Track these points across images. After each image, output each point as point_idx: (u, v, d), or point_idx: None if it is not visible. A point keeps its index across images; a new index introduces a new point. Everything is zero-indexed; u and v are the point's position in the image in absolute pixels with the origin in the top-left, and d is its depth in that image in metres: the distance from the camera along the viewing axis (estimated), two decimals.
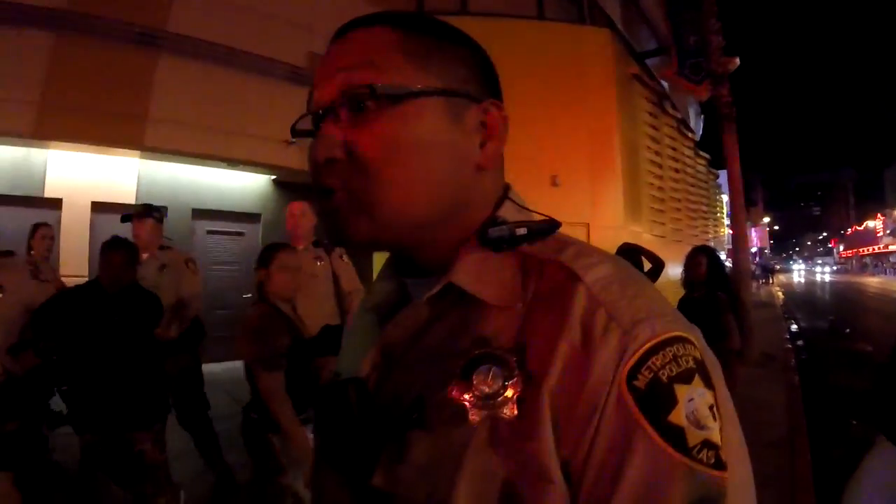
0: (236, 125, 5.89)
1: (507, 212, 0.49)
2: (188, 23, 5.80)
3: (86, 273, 5.74)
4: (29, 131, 5.20)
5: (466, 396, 0.40)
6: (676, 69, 9.32)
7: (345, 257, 3.27)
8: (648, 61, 9.80)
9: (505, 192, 0.51)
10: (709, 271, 3.61)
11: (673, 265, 7.67)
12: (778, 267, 50.58)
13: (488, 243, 0.46)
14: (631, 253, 4.05)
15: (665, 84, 9.92)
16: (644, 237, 7.32)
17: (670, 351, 0.38)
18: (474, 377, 0.40)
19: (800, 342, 9.36)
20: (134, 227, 3.19)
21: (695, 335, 0.41)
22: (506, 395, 0.39)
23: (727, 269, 5.39)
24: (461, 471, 0.38)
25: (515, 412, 0.38)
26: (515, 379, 0.39)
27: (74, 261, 5.71)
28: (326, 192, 0.45)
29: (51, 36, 5.25)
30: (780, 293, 22.29)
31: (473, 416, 0.39)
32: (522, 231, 0.46)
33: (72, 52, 5.32)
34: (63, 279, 5.63)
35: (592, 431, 0.37)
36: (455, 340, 0.43)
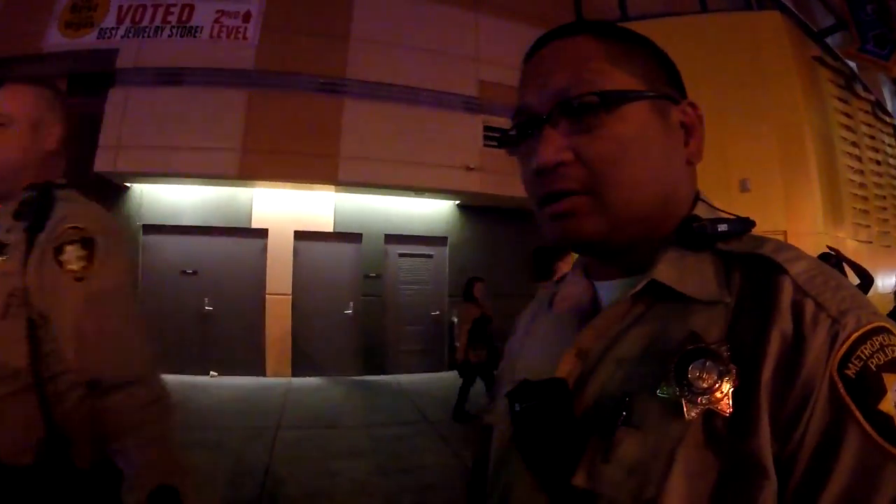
0: (419, 155, 6.39)
1: (701, 211, 0.50)
2: (365, 68, 6.49)
3: (289, 291, 6.62)
4: (233, 173, 6.18)
5: (681, 392, 0.39)
6: (858, 44, 8.01)
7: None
8: (829, 40, 8.57)
9: (697, 194, 0.52)
10: None
11: (885, 274, 6.49)
12: None
13: (686, 241, 0.47)
14: (828, 259, 3.50)
15: (852, 64, 8.58)
16: (848, 244, 6.34)
17: (877, 340, 0.38)
18: (689, 372, 0.39)
19: None
20: None
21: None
22: (721, 389, 0.38)
23: None
24: (673, 468, 0.38)
25: (731, 407, 0.38)
26: (731, 373, 0.39)
27: (280, 281, 6.62)
28: (559, 196, 0.46)
29: (245, 92, 6.23)
30: None
31: (689, 413, 0.39)
32: (724, 227, 0.46)
33: (265, 103, 6.25)
34: (268, 296, 6.69)
35: (805, 420, 0.36)
36: (662, 338, 0.43)
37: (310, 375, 6.49)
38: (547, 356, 0.52)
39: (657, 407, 0.41)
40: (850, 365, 0.37)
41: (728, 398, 0.38)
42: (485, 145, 6.61)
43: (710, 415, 0.39)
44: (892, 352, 0.38)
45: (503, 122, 6.54)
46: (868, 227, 7.07)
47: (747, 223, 0.48)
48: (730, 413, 0.38)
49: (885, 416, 0.36)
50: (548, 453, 0.44)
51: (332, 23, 6.65)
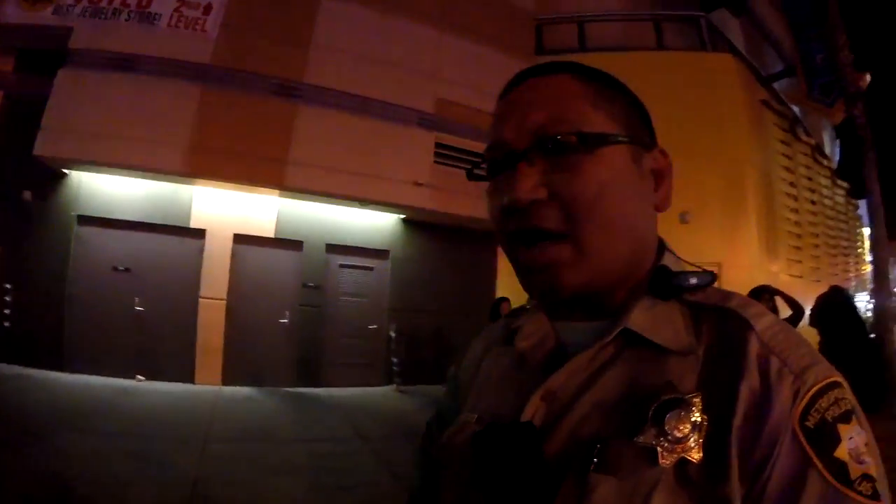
0: (369, 167, 6.27)
1: (669, 261, 0.51)
2: (323, 75, 6.36)
3: (224, 296, 6.34)
4: (178, 169, 5.90)
5: (657, 440, 0.40)
6: (806, 91, 8.51)
7: None
8: (777, 85, 9.07)
9: (662, 242, 0.53)
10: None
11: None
12: None
13: (658, 291, 0.48)
14: (764, 291, 3.62)
15: (796, 108, 9.09)
16: (781, 278, 6.62)
17: (833, 394, 0.41)
18: (667, 421, 0.40)
19: None
20: None
21: (845, 381, 0.43)
22: (694, 438, 0.40)
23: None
24: None
25: (702, 455, 0.40)
26: (703, 423, 0.40)
27: (216, 285, 6.34)
28: (533, 233, 0.46)
29: (198, 87, 5.99)
30: None
31: (664, 460, 0.40)
32: (694, 281, 0.48)
33: (217, 101, 6.01)
34: (202, 300, 6.39)
35: (770, 467, 0.39)
36: (638, 385, 0.44)
37: (241, 384, 6.20)
38: (509, 397, 0.51)
39: (632, 453, 0.41)
40: (810, 417, 0.40)
41: (700, 446, 0.40)
42: (436, 162, 6.60)
43: (683, 462, 0.40)
44: (845, 405, 0.41)
45: (456, 141, 6.57)
46: (800, 262, 7.43)
47: (712, 276, 0.50)
48: (701, 461, 0.40)
49: (842, 463, 0.39)
50: (517, 499, 0.43)
51: (294, 25, 6.49)
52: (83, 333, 5.79)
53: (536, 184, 0.46)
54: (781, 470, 0.39)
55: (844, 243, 10.31)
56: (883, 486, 0.40)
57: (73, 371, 5.55)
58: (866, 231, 12.10)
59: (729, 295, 0.48)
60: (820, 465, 0.39)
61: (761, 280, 4.72)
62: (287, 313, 6.52)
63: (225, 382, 6.23)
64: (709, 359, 0.44)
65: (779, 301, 3.83)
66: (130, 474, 3.25)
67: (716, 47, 7.68)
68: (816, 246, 8.25)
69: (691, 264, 0.52)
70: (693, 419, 0.40)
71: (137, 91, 5.84)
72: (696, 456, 0.40)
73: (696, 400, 0.41)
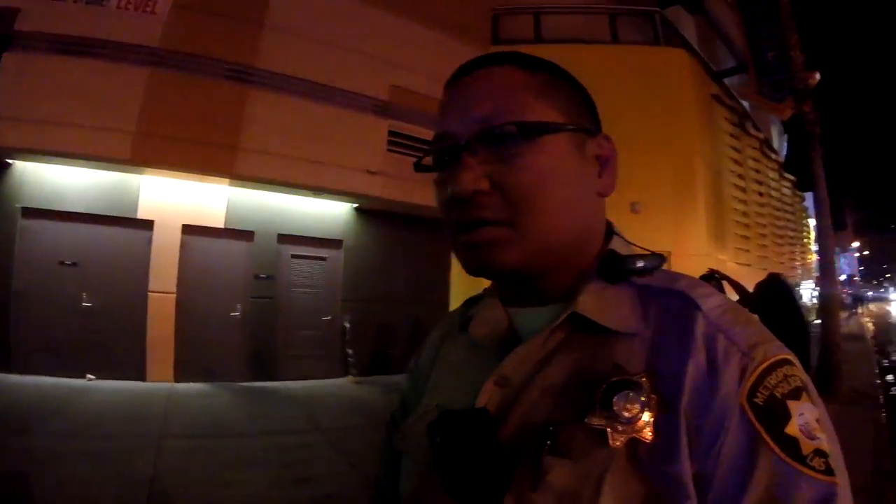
0: (321, 155, 6.14)
1: (617, 245, 0.52)
2: (276, 59, 6.20)
3: (174, 289, 6.14)
4: (125, 157, 5.68)
5: (606, 421, 0.41)
6: (756, 87, 8.82)
7: None
8: (728, 80, 9.36)
9: (610, 226, 0.54)
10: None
11: None
12: (871, 294, 45.55)
13: (607, 275, 0.49)
14: (712, 279, 3.76)
15: (746, 104, 9.41)
16: (729, 266, 6.86)
17: (781, 371, 0.42)
18: (615, 402, 0.41)
19: (889, 377, 8.41)
20: None
21: (796, 358, 0.44)
22: (643, 418, 0.41)
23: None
24: (602, 494, 0.40)
25: (653, 435, 0.41)
26: (652, 403, 0.41)
27: (165, 278, 6.13)
28: (476, 224, 0.47)
29: (145, 71, 5.76)
30: (870, 324, 20.25)
31: (615, 441, 0.41)
32: (642, 264, 0.49)
33: (165, 85, 5.81)
34: (151, 294, 6.17)
35: (719, 445, 0.39)
36: (586, 369, 0.45)
37: (194, 381, 6.05)
38: (465, 384, 0.51)
39: (584, 435, 0.42)
40: (759, 394, 0.40)
41: (650, 426, 0.41)
42: (389, 150, 6.51)
43: (635, 442, 0.41)
44: (795, 381, 0.42)
45: (410, 129, 6.52)
46: (747, 251, 7.72)
47: (660, 259, 0.50)
48: (653, 440, 0.40)
49: (793, 439, 0.39)
50: (473, 484, 0.44)
51: (247, 8, 6.28)
52: (30, 331, 5.56)
53: (479, 175, 0.47)
54: (731, 447, 0.39)
55: (791, 234, 10.78)
56: (837, 462, 0.41)
57: (20, 371, 5.35)
58: (812, 222, 12.74)
59: (677, 277, 0.50)
60: (770, 442, 0.39)
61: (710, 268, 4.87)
62: (239, 306, 6.37)
63: (177, 379, 6.08)
64: (657, 340, 0.45)
65: (727, 287, 3.96)
66: (87, 475, 3.21)
67: (669, 42, 7.84)
68: (764, 236, 8.60)
69: (641, 248, 0.53)
70: (642, 399, 0.41)
71: (85, 76, 5.58)
72: (647, 436, 0.41)
73: (644, 380, 0.42)
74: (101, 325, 5.83)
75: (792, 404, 0.41)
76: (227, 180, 6.17)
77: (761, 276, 6.93)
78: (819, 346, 6.31)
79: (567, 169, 0.48)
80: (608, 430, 0.41)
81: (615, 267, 0.49)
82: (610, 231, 0.54)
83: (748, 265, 7.63)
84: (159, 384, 5.86)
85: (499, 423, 0.46)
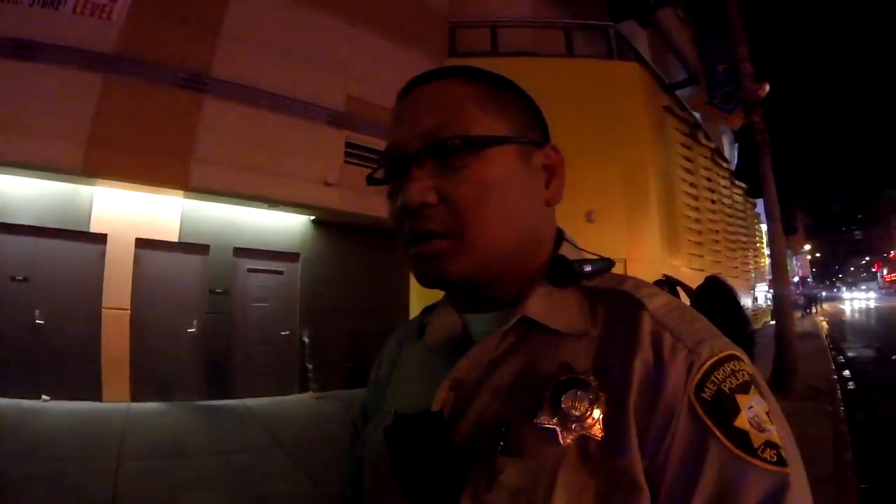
0: (277, 166, 6.07)
1: (567, 251, 0.54)
2: (231, 68, 6.10)
3: (128, 305, 5.93)
4: (76, 167, 5.46)
5: (556, 420, 0.42)
6: (707, 99, 9.22)
7: None
8: (679, 92, 9.75)
9: (560, 233, 0.56)
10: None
11: None
12: (824, 294, 47.79)
13: (555, 280, 0.50)
14: (666, 285, 3.91)
15: (697, 114, 9.83)
16: (683, 271, 7.12)
17: (729, 366, 0.43)
18: (563, 401, 0.42)
19: (846, 372, 8.84)
20: None
21: (744, 353, 0.45)
22: (593, 416, 0.42)
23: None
24: (555, 491, 0.40)
25: (602, 432, 0.41)
26: (600, 400, 0.42)
27: (119, 294, 5.92)
28: (424, 236, 0.48)
29: (99, 77, 5.58)
30: (824, 323, 21.25)
31: (565, 439, 0.42)
32: (588, 268, 0.51)
33: (118, 93, 5.63)
34: (105, 310, 5.95)
35: (669, 439, 0.40)
36: (535, 369, 0.46)
37: (151, 400, 5.84)
38: (421, 388, 0.52)
39: (534, 435, 0.42)
40: (706, 389, 0.41)
41: (599, 423, 0.41)
42: (346, 161, 6.46)
43: (584, 439, 0.41)
44: (743, 376, 0.43)
45: (366, 140, 6.50)
46: (701, 256, 8.05)
47: (608, 263, 0.52)
48: (602, 437, 0.41)
49: (743, 432, 0.40)
50: (429, 485, 0.44)
51: (203, 15, 6.16)
52: None
53: (426, 187, 0.48)
54: (681, 442, 0.40)
55: (744, 238, 11.25)
56: (790, 453, 0.41)
57: None
58: (764, 227, 13.34)
59: (623, 279, 0.51)
60: (720, 435, 0.40)
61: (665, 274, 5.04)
62: (195, 322, 6.19)
63: (134, 398, 5.86)
64: (604, 339, 0.46)
65: (681, 292, 4.10)
66: (44, 499, 3.14)
67: (623, 56, 8.14)
68: (717, 241, 8.93)
69: (591, 253, 0.54)
70: (590, 397, 0.42)
71: (34, 81, 5.34)
72: (597, 433, 0.41)
73: (592, 379, 0.43)
74: (54, 343, 5.58)
75: (741, 398, 0.41)
76: (181, 192, 6.02)
77: None
78: (774, 346, 6.53)
79: (512, 180, 0.49)
80: (558, 428, 0.42)
81: (561, 271, 0.50)
82: (560, 238, 0.55)
83: (702, 270, 7.93)
84: (116, 404, 5.67)
85: (452, 425, 0.46)
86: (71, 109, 5.47)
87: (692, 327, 0.45)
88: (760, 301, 13.28)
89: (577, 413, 0.42)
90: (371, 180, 0.56)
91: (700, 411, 0.41)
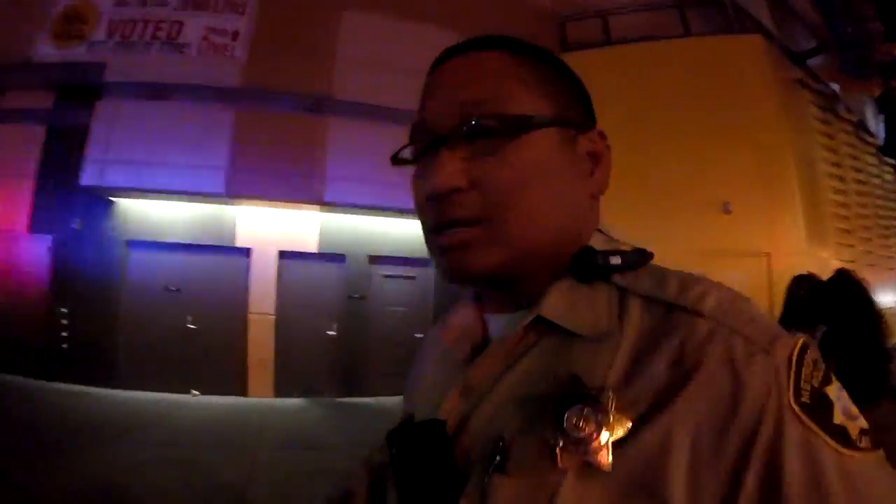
0: (403, 177, 6.30)
1: (596, 242, 0.46)
2: (351, 88, 6.54)
3: (273, 311, 6.56)
4: (219, 192, 6.18)
5: (556, 439, 0.37)
6: (839, 66, 8.18)
7: None
8: (812, 62, 8.74)
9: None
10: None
11: (874, 292, 6.51)
12: None
13: (578, 273, 0.44)
14: (800, 283, 3.45)
15: (835, 86, 8.74)
16: (832, 264, 6.36)
17: (809, 358, 0.37)
18: (566, 419, 0.37)
19: None
20: None
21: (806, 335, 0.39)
22: (599, 440, 0.35)
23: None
24: None
25: (609, 459, 0.35)
26: (612, 422, 0.36)
27: (264, 301, 6.57)
28: (452, 224, 0.43)
29: (230, 110, 6.26)
30: None
31: (563, 462, 0.36)
32: (616, 260, 0.43)
33: (250, 122, 6.29)
34: (251, 315, 6.63)
35: (761, 459, 0.34)
36: (543, 379, 0.41)
37: (292, 396, 6.42)
38: (433, 393, 0.48)
39: (533, 452, 0.38)
40: (802, 392, 0.36)
41: (608, 450, 0.35)
42: None
43: (588, 466, 0.36)
44: (821, 364, 0.38)
45: None
46: (851, 246, 7.12)
47: (644, 255, 0.45)
48: (609, 466, 0.35)
49: (842, 428, 0.36)
50: (424, 496, 0.42)
51: (318, 41, 6.68)
52: (138, 352, 6.14)
53: (456, 170, 0.43)
54: (793, 464, 0.34)
55: None
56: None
57: (128, 388, 5.89)
58: None
59: (665, 272, 0.43)
60: (828, 439, 0.35)
61: (811, 268, 4.58)
62: (334, 325, 6.68)
63: (277, 394, 6.44)
64: (639, 346, 0.39)
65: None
66: (176, 482, 3.42)
67: (744, 28, 7.47)
68: (868, 228, 7.88)
69: (626, 244, 0.47)
70: (598, 417, 0.36)
71: (174, 118, 6.16)
72: (602, 460, 0.36)
73: (611, 394, 0.37)
74: (205, 345, 6.32)
75: (829, 390, 0.37)
76: (317, 207, 6.54)
77: (867, 273, 6.39)
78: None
79: (553, 166, 0.44)
80: (557, 448, 0.37)
81: (586, 263, 0.44)
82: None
83: (853, 261, 7.03)
84: (260, 399, 6.25)
85: (457, 434, 0.43)
86: (209, 141, 6.18)
87: (759, 324, 0.38)
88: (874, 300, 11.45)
89: (582, 434, 0.36)
90: (396, 160, 0.51)
91: (806, 420, 0.34)
